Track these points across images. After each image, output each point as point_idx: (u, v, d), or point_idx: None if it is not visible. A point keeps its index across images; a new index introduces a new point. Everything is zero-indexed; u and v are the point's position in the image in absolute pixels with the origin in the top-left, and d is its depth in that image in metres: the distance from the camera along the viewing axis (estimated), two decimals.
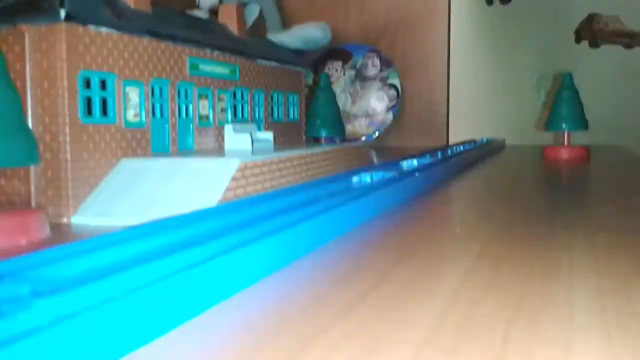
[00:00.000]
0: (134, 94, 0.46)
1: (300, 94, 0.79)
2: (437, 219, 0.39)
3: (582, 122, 0.82)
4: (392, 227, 0.36)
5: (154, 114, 0.49)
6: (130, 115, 0.46)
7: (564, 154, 0.82)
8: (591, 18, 1.84)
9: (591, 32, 1.85)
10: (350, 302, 0.20)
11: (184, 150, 0.53)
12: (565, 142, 0.83)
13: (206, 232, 0.30)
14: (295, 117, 0.78)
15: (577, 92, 0.84)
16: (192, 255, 0.23)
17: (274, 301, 0.21)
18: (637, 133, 1.74)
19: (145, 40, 0.48)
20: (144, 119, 0.47)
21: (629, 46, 1.83)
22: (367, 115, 1.23)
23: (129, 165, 0.43)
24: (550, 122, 0.84)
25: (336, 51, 1.28)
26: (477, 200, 0.50)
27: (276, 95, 0.72)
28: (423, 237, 0.32)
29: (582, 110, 0.83)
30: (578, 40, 1.88)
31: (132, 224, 0.37)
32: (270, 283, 0.23)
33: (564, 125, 0.82)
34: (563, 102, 0.83)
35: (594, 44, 1.86)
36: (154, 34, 0.49)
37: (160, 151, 0.50)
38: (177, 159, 0.43)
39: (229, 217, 0.32)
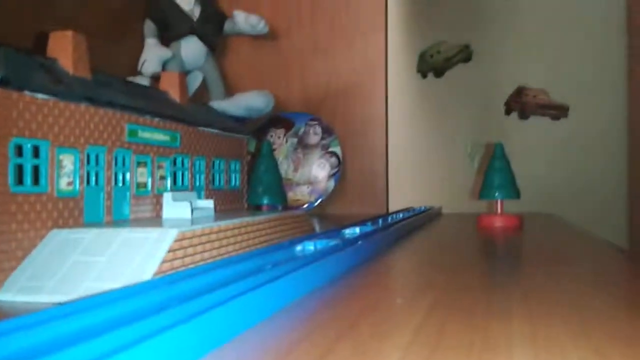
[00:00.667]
0: (68, 161, 0.45)
1: (242, 161, 0.79)
2: (379, 289, 0.39)
3: (514, 191, 0.86)
4: (333, 298, 0.35)
5: (88, 182, 0.47)
6: (64, 183, 0.44)
7: (498, 222, 0.85)
8: (520, 90, 1.96)
9: (520, 104, 1.97)
10: None
11: (119, 220, 0.51)
12: (499, 211, 0.86)
13: (140, 309, 0.28)
14: (237, 184, 0.77)
15: (508, 162, 0.88)
16: (124, 335, 0.22)
17: None
18: (565, 201, 1.83)
19: (83, 106, 0.47)
20: (77, 187, 0.46)
21: (556, 118, 1.95)
22: (309, 182, 1.24)
23: (60, 237, 0.41)
24: (483, 191, 0.87)
25: (278, 119, 1.30)
26: (417, 269, 0.50)
27: (218, 162, 0.72)
28: (365, 309, 0.32)
29: (514, 179, 0.87)
30: (508, 111, 1.98)
31: (62, 301, 0.35)
32: (214, 358, 0.22)
33: (496, 194, 0.86)
34: (495, 171, 0.87)
35: (523, 116, 1.97)
36: (92, 101, 0.48)
37: (94, 221, 0.48)
38: (111, 229, 0.42)
39: (164, 292, 0.31)
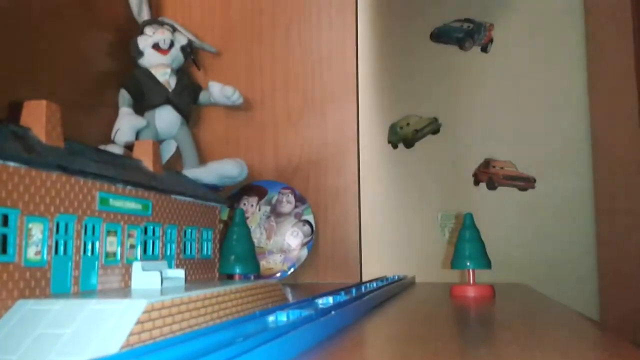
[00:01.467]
0: (37, 230, 0.44)
1: (214, 230, 0.78)
2: None
3: (485, 261, 0.86)
4: None
5: (56, 251, 0.46)
6: (32, 252, 0.43)
7: (471, 292, 0.85)
8: (487, 162, 2.02)
9: (488, 175, 2.01)
10: None
11: (87, 291, 0.50)
12: (471, 280, 0.87)
13: None
14: (209, 253, 0.76)
15: (478, 232, 0.89)
16: None
17: None
18: (536, 269, 1.85)
19: (55, 175, 0.47)
20: (45, 257, 0.45)
21: (523, 189, 2.00)
22: (282, 251, 1.24)
23: (26, 308, 0.40)
24: (455, 260, 0.88)
25: (251, 187, 1.31)
26: (391, 342, 0.50)
27: (189, 231, 0.71)
28: None
29: (484, 249, 0.88)
30: (477, 182, 2.03)
31: None
32: None
33: (468, 264, 0.86)
34: (466, 241, 0.88)
35: (491, 186, 2.01)
36: (64, 169, 0.48)
37: (61, 291, 0.46)
38: (78, 300, 0.41)
39: None
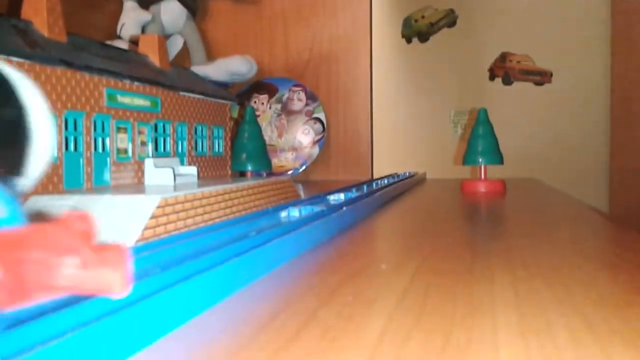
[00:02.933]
0: None
1: (225, 127, 0.78)
2: (364, 255, 0.39)
3: (497, 157, 0.86)
4: (318, 264, 0.35)
5: (67, 148, 0.46)
6: None
7: (482, 187, 0.85)
8: (504, 56, 1.96)
9: (504, 69, 1.96)
10: (275, 348, 0.20)
11: (100, 187, 0.50)
12: (482, 176, 0.87)
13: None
14: (220, 150, 0.76)
15: (491, 127, 0.88)
16: (110, 302, 0.22)
17: (199, 346, 0.20)
18: (548, 165, 1.85)
19: (59, 70, 0.46)
20: (56, 153, 0.45)
21: (539, 83, 1.95)
22: (294, 148, 1.24)
23: (39, 203, 0.40)
24: (467, 156, 0.87)
25: (262, 85, 1.28)
26: (402, 235, 0.50)
27: (200, 129, 0.71)
28: (350, 274, 0.32)
29: (497, 145, 0.87)
30: (492, 77, 1.98)
31: None
32: (195, 326, 0.22)
33: (480, 160, 0.86)
34: (479, 137, 0.87)
35: (507, 81, 1.97)
36: (69, 64, 0.47)
37: (74, 187, 0.47)
38: (92, 195, 0.41)
39: (148, 259, 0.31)
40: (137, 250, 0.34)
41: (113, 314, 0.18)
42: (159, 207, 0.40)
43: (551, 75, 1.94)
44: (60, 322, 0.18)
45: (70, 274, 0.14)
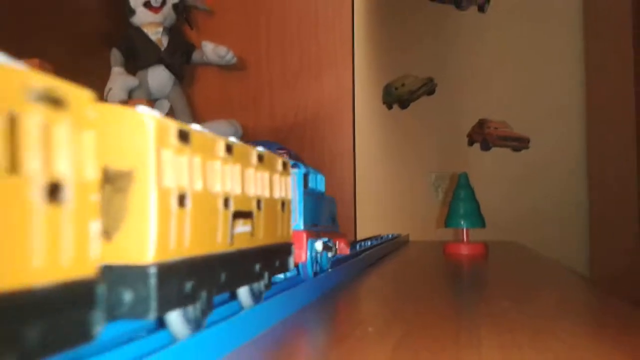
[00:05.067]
0: None
1: None
2: (350, 318, 0.39)
3: (479, 220, 0.87)
4: (304, 327, 0.35)
5: None
6: None
7: (464, 250, 0.86)
8: (482, 123, 2.01)
9: (482, 135, 2.01)
10: None
11: None
12: (465, 239, 0.88)
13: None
14: None
15: (472, 191, 0.90)
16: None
17: None
18: (529, 228, 1.87)
19: None
20: None
21: (517, 149, 2.00)
22: None
23: None
24: (449, 219, 0.89)
25: None
26: (388, 298, 0.50)
27: None
28: (337, 338, 0.32)
29: (479, 208, 0.88)
30: (470, 143, 2.03)
31: None
32: None
33: (462, 223, 0.87)
34: (460, 200, 0.88)
35: (485, 147, 2.02)
36: None
37: None
38: None
39: None
40: None
41: None
42: None
43: (528, 141, 1.99)
44: None
45: None
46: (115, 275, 0.20)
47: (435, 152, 2.04)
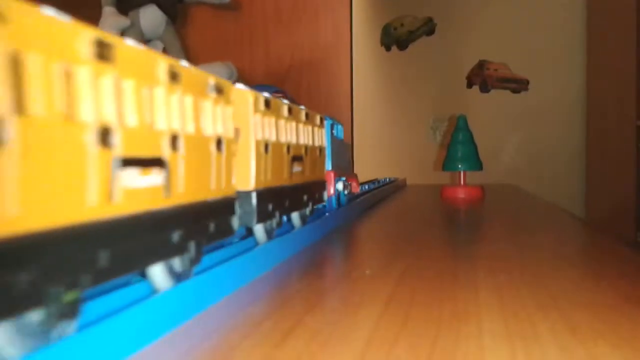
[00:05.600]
0: None
1: None
2: (349, 260, 0.39)
3: (476, 163, 0.87)
4: (303, 269, 0.35)
5: None
6: None
7: (461, 193, 0.86)
8: (481, 64, 1.98)
9: (482, 77, 1.98)
10: (262, 354, 0.19)
11: None
12: (462, 182, 0.87)
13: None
14: None
15: (471, 134, 0.89)
16: (100, 307, 0.21)
17: (181, 356, 0.20)
18: (526, 171, 1.87)
19: None
20: None
21: (516, 91, 1.98)
22: None
23: None
24: (447, 162, 0.88)
25: None
26: (385, 240, 0.50)
27: None
28: (335, 279, 0.32)
29: (477, 151, 0.88)
30: (469, 85, 2.00)
31: None
32: (180, 334, 0.22)
33: (459, 166, 0.87)
34: (458, 144, 0.88)
35: (484, 89, 1.99)
36: None
37: None
38: None
39: None
40: None
41: (106, 319, 0.18)
42: None
43: (528, 82, 1.97)
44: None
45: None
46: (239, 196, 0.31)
47: (434, 94, 2.01)
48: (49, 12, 0.17)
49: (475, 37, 1.98)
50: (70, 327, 0.17)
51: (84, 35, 0.18)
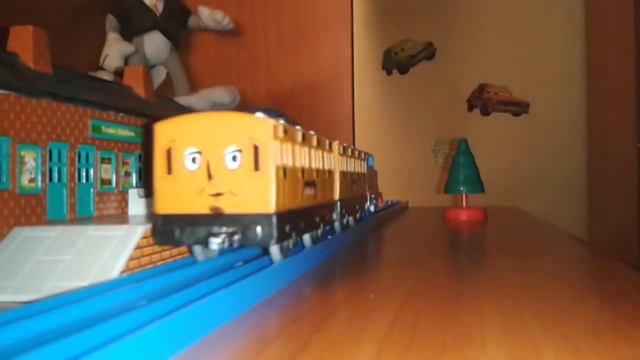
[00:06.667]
0: (30, 157, 0.44)
1: None
2: (353, 283, 0.39)
3: (478, 186, 0.87)
4: (307, 293, 0.35)
5: (51, 178, 0.46)
6: (25, 180, 0.43)
7: (464, 215, 0.86)
8: (482, 87, 1.99)
9: (482, 100, 2.00)
10: None
11: (83, 218, 0.50)
12: (464, 204, 0.88)
13: (109, 308, 0.28)
14: None
15: (472, 157, 0.89)
16: (95, 335, 0.21)
17: None
18: (528, 194, 1.87)
19: (45, 102, 0.46)
20: (39, 184, 0.44)
21: (516, 114, 1.99)
22: None
23: (22, 235, 0.40)
24: (449, 185, 0.89)
25: None
26: (389, 263, 0.50)
27: None
28: (339, 303, 0.32)
29: (478, 174, 0.88)
30: (470, 108, 2.01)
31: (27, 300, 0.34)
32: (189, 356, 0.22)
33: (462, 189, 0.87)
34: (460, 166, 0.88)
35: (485, 112, 2.00)
36: (54, 96, 0.47)
37: (57, 218, 0.47)
38: (76, 227, 0.41)
39: (133, 290, 0.31)
40: (122, 282, 0.34)
41: (97, 349, 0.18)
42: (143, 237, 0.40)
43: (528, 105, 1.98)
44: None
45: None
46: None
47: (435, 117, 2.02)
48: (298, 128, 0.40)
49: (475, 60, 2.00)
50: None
51: (298, 133, 0.40)
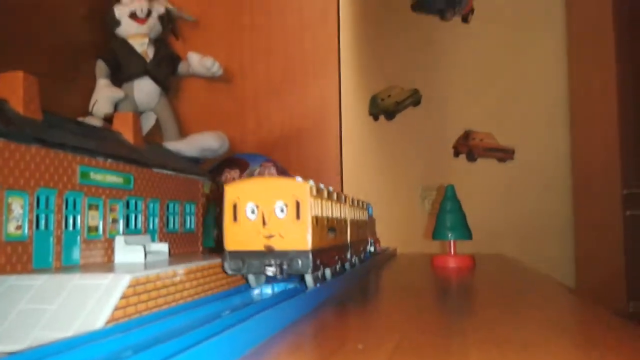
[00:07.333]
0: (17, 204, 0.43)
1: (197, 203, 0.78)
2: (340, 334, 0.38)
3: (466, 232, 0.87)
4: (293, 343, 0.35)
5: (38, 226, 0.46)
6: (12, 227, 0.43)
7: (452, 262, 0.86)
8: (467, 134, 2.03)
9: (468, 147, 2.03)
10: None
11: (69, 266, 0.49)
12: (452, 251, 0.88)
13: (93, 359, 0.27)
14: (192, 227, 0.76)
15: (459, 203, 0.90)
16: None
17: None
18: (515, 240, 1.88)
19: (34, 148, 0.46)
20: (26, 231, 0.44)
21: (502, 160, 2.01)
22: None
23: (7, 283, 0.39)
24: (436, 231, 0.89)
25: (233, 160, 1.30)
26: (377, 312, 0.50)
27: (172, 205, 0.71)
28: (327, 354, 0.31)
29: (465, 220, 0.89)
30: (456, 154, 2.04)
31: (10, 350, 0.33)
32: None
33: (449, 235, 0.87)
34: (447, 212, 0.88)
35: (471, 158, 2.03)
36: (44, 142, 0.47)
37: (43, 266, 0.46)
38: (61, 275, 0.40)
39: (117, 341, 0.30)
40: (107, 332, 0.33)
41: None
42: (129, 286, 0.40)
43: (513, 152, 2.01)
44: None
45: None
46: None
47: (422, 163, 2.04)
48: (322, 186, 0.52)
49: (460, 107, 2.04)
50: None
51: (326, 192, 0.52)
